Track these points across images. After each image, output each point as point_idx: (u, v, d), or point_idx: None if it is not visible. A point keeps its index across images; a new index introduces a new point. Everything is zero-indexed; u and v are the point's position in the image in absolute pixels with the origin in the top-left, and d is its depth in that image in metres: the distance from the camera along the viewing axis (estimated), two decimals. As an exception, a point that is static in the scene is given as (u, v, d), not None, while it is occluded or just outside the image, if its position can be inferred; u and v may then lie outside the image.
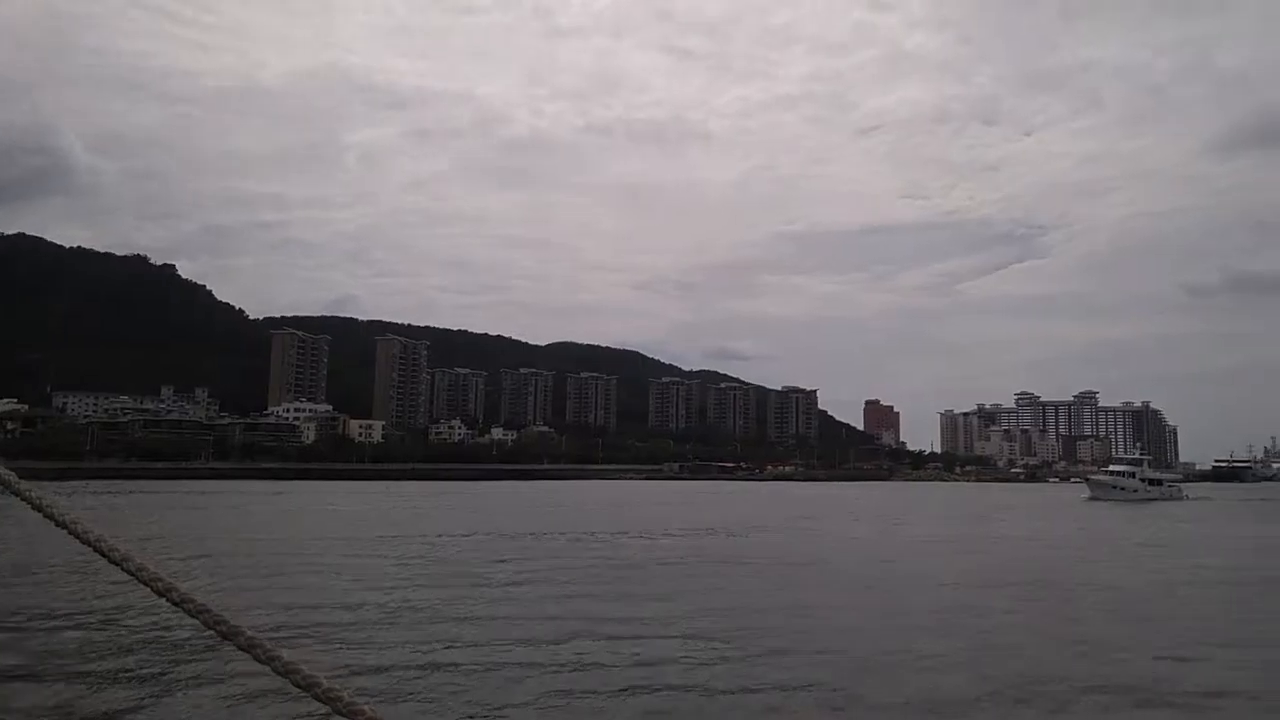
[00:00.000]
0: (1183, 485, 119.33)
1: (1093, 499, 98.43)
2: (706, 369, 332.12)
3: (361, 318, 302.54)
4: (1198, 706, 15.09)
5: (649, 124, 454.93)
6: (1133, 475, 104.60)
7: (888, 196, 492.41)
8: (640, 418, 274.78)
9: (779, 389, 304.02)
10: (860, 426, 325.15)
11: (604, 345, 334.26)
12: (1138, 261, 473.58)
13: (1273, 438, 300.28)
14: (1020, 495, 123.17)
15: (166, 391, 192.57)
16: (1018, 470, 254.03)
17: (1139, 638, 20.77)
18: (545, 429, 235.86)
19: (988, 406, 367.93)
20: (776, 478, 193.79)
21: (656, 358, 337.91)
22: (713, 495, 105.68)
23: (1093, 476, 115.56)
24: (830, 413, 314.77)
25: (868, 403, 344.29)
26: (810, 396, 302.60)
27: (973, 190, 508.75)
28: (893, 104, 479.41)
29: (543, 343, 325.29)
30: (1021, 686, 15.76)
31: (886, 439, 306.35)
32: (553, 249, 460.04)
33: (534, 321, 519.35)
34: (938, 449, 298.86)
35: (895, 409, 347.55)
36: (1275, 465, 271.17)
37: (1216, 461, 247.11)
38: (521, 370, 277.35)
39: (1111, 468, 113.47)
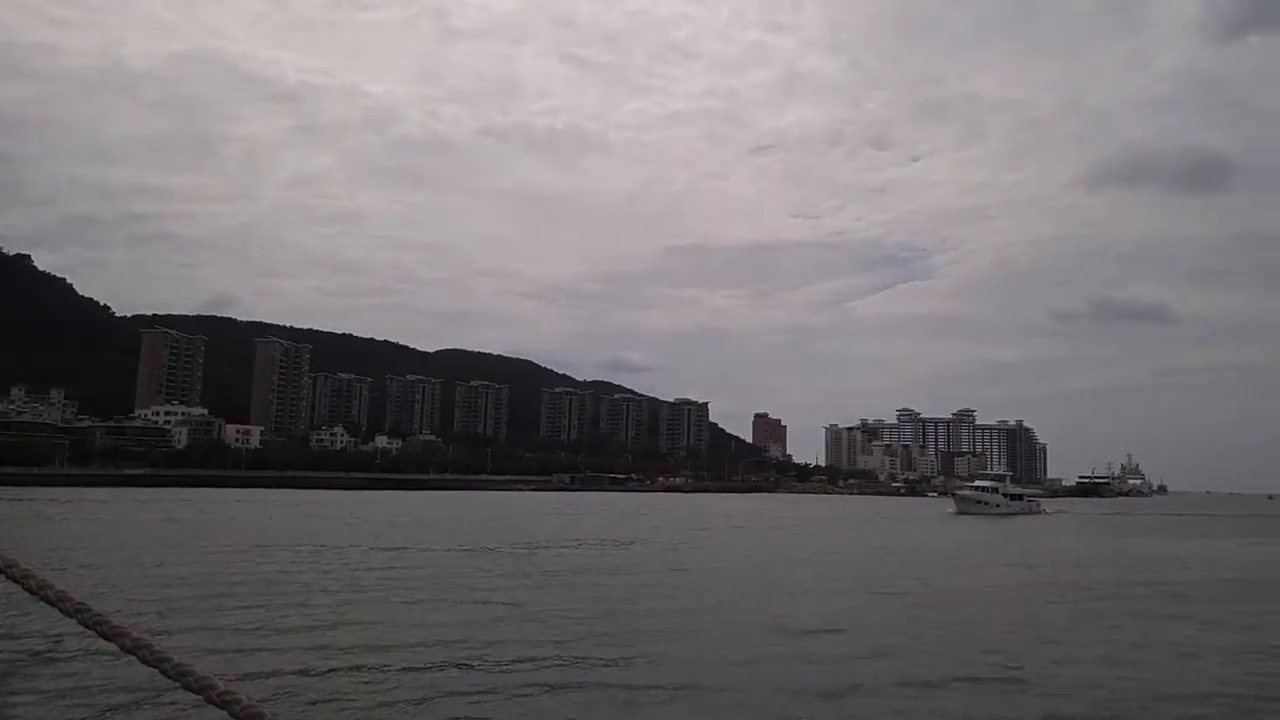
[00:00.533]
0: (1041, 500, 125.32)
1: (959, 513, 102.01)
2: (600, 380, 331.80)
3: (240, 318, 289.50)
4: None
5: (547, 131, 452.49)
6: (995, 491, 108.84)
7: (780, 214, 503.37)
8: (532, 428, 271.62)
9: (671, 401, 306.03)
10: (749, 439, 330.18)
11: (495, 353, 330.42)
12: (1013, 287, 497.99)
13: (1129, 455, 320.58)
14: (895, 508, 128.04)
15: (17, 392, 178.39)
16: (898, 484, 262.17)
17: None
18: (432, 438, 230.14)
19: (871, 422, 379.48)
20: (667, 489, 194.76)
21: (549, 367, 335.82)
22: (600, 506, 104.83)
23: (959, 492, 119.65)
24: (721, 425, 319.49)
25: (757, 416, 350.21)
26: (702, 409, 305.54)
27: (861, 212, 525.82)
28: (787, 124, 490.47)
29: (432, 349, 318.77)
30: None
31: (774, 451, 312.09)
32: (444, 253, 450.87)
33: (423, 327, 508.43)
34: (823, 462, 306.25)
35: (783, 422, 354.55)
36: (1131, 481, 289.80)
37: (1080, 478, 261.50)
38: (409, 377, 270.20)
39: (978, 483, 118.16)
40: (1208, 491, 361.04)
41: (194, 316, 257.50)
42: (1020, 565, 43.25)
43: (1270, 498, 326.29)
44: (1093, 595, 32.18)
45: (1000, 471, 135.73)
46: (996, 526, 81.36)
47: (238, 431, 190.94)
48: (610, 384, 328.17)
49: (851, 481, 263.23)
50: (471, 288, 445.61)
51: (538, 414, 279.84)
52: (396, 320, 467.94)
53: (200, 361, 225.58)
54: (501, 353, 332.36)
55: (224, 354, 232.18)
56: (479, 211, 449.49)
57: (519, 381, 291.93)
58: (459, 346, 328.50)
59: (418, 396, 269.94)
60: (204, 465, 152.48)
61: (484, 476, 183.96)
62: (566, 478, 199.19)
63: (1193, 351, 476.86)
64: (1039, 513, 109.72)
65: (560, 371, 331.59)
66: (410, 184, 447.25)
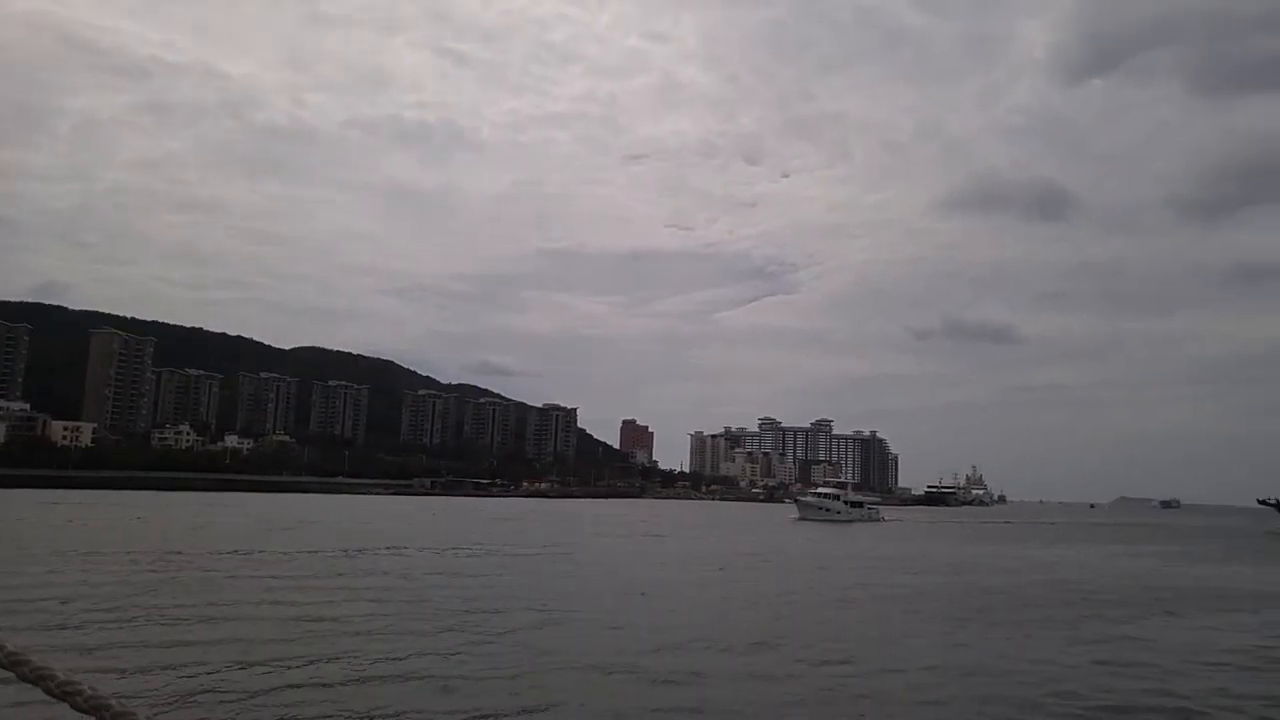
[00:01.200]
0: (880, 508, 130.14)
1: (801, 519, 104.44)
2: (466, 383, 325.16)
3: (73, 307, 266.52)
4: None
5: (418, 126, 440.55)
6: (837, 498, 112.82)
7: (653, 223, 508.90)
8: (393, 431, 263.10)
9: (539, 406, 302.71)
10: (616, 445, 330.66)
11: (356, 353, 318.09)
12: (873, 304, 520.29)
13: (974, 466, 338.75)
14: (747, 513, 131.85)
15: None
16: (758, 490, 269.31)
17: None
18: (286, 439, 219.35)
19: (734, 429, 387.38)
20: (532, 494, 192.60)
21: (413, 369, 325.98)
22: (462, 512, 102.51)
23: (801, 499, 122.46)
24: (589, 431, 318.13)
25: (624, 422, 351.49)
26: (570, 414, 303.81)
27: (733, 224, 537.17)
28: (663, 133, 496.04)
29: (288, 346, 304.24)
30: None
31: (641, 458, 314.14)
32: (305, 247, 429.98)
33: (280, 324, 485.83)
34: (687, 468, 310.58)
35: (650, 429, 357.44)
36: (975, 491, 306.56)
37: (929, 487, 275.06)
38: (262, 374, 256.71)
39: (820, 490, 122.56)
40: (1041, 501, 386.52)
41: (17, 303, 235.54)
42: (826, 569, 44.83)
43: (1091, 506, 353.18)
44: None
45: (844, 479, 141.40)
46: (836, 532, 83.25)
47: (65, 428, 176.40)
48: (477, 388, 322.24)
49: (714, 487, 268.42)
50: (333, 284, 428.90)
51: (399, 416, 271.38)
52: (251, 316, 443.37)
53: (24, 352, 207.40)
54: (363, 352, 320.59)
55: (53, 345, 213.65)
56: (344, 205, 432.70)
57: (380, 382, 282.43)
58: (318, 344, 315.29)
59: (271, 395, 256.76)
60: (24, 464, 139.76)
61: (341, 479, 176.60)
62: (428, 482, 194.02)
63: (1036, 370, 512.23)
64: (878, 520, 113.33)
65: (424, 374, 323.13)
66: (271, 173, 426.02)
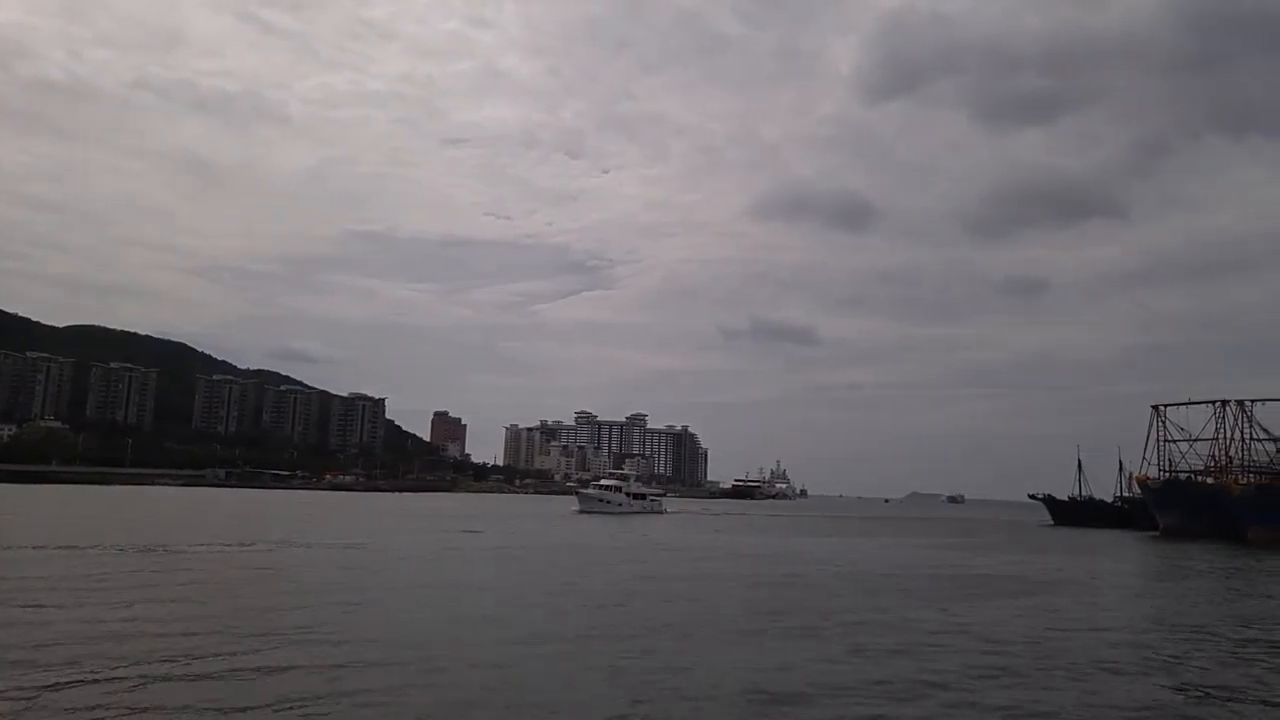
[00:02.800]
0: (663, 500, 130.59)
1: (581, 511, 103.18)
2: (266, 369, 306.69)
3: None
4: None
5: (218, 94, 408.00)
6: (618, 490, 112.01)
7: (471, 211, 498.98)
8: (184, 418, 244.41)
9: (345, 395, 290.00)
10: (427, 437, 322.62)
11: (143, 334, 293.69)
12: (687, 301, 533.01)
13: (778, 461, 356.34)
14: (539, 506, 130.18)
15: None
16: (572, 484, 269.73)
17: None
18: (57, 424, 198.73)
19: (550, 423, 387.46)
20: (335, 487, 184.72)
21: (208, 353, 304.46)
22: (258, 504, 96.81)
23: (581, 491, 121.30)
24: (397, 422, 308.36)
25: (436, 414, 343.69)
26: (378, 405, 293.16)
27: (553, 217, 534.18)
28: (483, 120, 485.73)
29: (61, 324, 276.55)
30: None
31: (453, 451, 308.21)
32: (85, 217, 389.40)
33: (52, 299, 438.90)
34: (501, 462, 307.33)
35: (463, 421, 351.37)
36: (779, 485, 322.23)
37: (736, 481, 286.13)
38: (29, 354, 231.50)
39: (603, 482, 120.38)
40: (841, 495, 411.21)
41: None
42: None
43: (886, 501, 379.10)
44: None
45: (626, 471, 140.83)
46: (614, 524, 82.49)
47: None
48: (278, 374, 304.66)
49: (528, 481, 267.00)
50: (117, 258, 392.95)
51: (192, 403, 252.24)
52: (19, 289, 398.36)
53: None
54: (150, 333, 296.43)
55: None
56: (131, 173, 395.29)
57: (170, 366, 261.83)
58: (98, 323, 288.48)
59: (40, 377, 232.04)
60: None
61: (123, 469, 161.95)
62: (222, 473, 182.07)
63: (836, 370, 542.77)
64: (661, 512, 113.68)
65: (220, 358, 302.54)
66: (45, 133, 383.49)
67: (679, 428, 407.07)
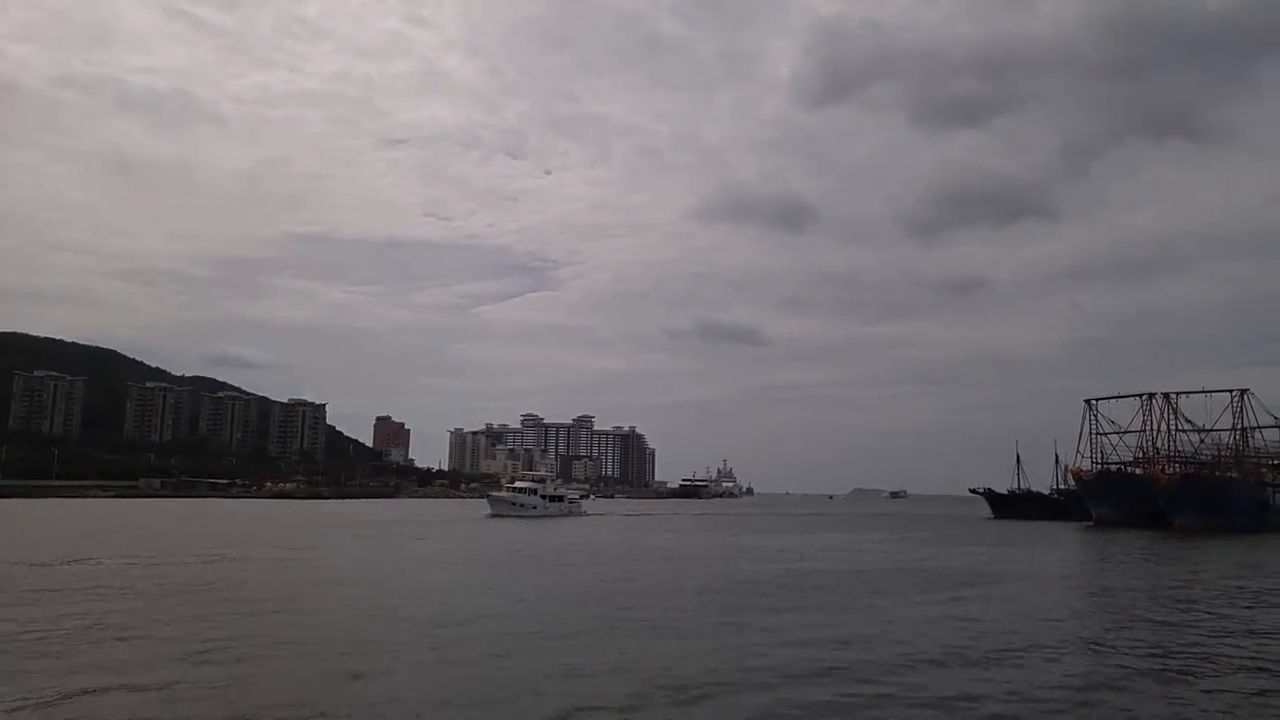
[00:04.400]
0: (584, 501, 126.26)
1: (493, 515, 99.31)
2: (203, 375, 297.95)
3: None
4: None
5: (146, 92, 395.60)
6: (534, 492, 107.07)
7: (411, 212, 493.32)
8: (115, 427, 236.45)
9: (285, 401, 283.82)
10: (370, 443, 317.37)
11: (70, 340, 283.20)
12: (632, 303, 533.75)
13: (725, 460, 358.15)
14: (460, 509, 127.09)
15: None
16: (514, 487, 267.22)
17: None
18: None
19: (496, 426, 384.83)
20: (276, 495, 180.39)
21: (140, 359, 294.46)
22: (189, 515, 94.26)
23: (493, 493, 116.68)
24: (339, 428, 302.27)
25: (379, 419, 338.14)
26: (319, 410, 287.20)
27: (494, 218, 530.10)
28: (423, 120, 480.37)
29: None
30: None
31: (396, 456, 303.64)
32: (5, 219, 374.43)
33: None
34: (446, 466, 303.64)
35: (406, 426, 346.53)
36: (725, 484, 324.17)
37: (683, 480, 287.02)
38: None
39: (518, 484, 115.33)
40: (787, 493, 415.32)
41: None
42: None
43: (830, 497, 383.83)
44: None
45: (543, 473, 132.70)
46: (525, 528, 79.54)
47: None
48: (215, 380, 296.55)
49: (473, 485, 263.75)
50: (41, 261, 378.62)
51: (122, 411, 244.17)
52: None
53: None
54: (78, 340, 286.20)
55: None
56: (55, 173, 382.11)
57: (99, 373, 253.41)
58: (21, 330, 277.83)
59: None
60: None
61: (50, 482, 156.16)
62: (157, 483, 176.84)
63: (780, 370, 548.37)
64: (581, 514, 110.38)
65: (154, 365, 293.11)
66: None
67: (626, 429, 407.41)
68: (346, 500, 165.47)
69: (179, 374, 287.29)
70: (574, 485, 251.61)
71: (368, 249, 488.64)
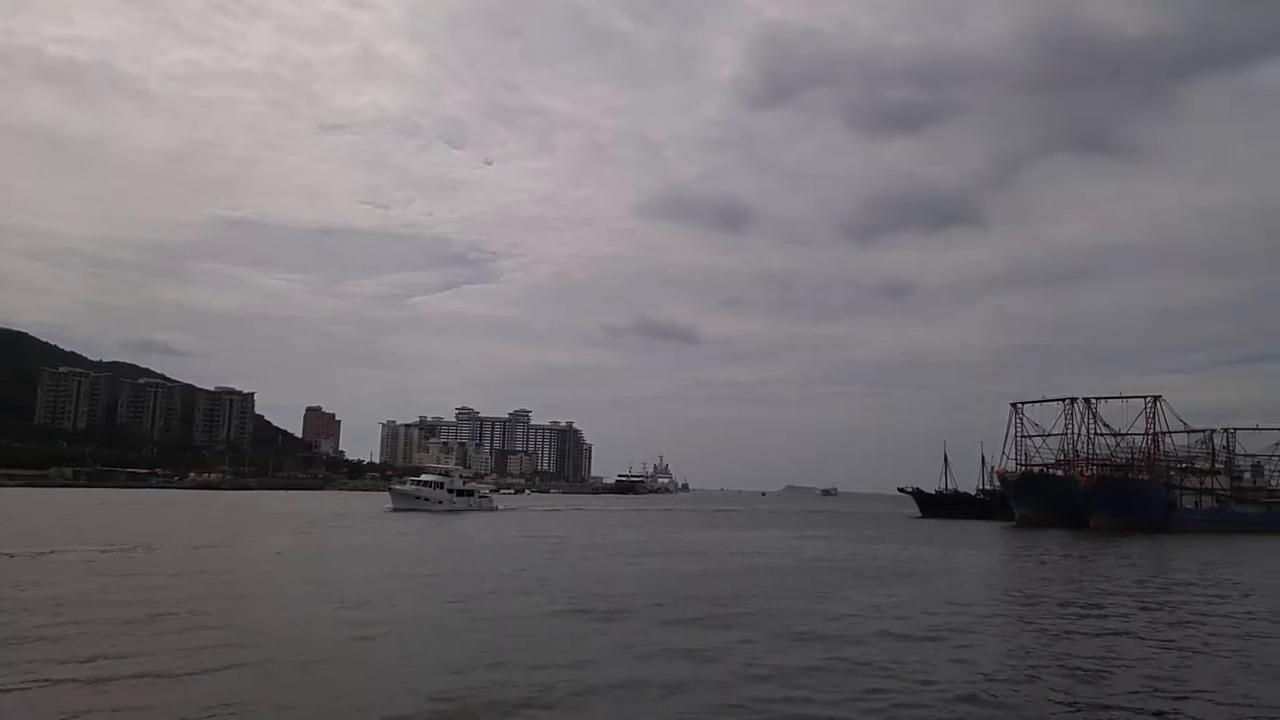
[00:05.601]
0: (495, 497, 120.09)
1: (395, 509, 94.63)
2: (123, 361, 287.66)
3: None
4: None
5: (68, 63, 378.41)
6: (440, 486, 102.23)
7: (347, 199, 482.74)
8: (24, 414, 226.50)
9: (211, 389, 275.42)
10: (299, 434, 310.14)
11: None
12: (572, 297, 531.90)
13: (660, 456, 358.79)
14: (364, 502, 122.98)
15: None
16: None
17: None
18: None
19: (430, 419, 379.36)
20: (200, 485, 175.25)
21: (54, 343, 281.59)
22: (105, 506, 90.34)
23: (396, 486, 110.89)
24: (268, 418, 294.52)
25: (309, 409, 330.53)
26: (246, 399, 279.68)
27: (433, 207, 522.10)
28: (361, 105, 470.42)
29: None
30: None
31: (326, 447, 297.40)
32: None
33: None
34: (378, 459, 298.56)
35: (337, 417, 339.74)
36: (661, 480, 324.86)
37: (619, 476, 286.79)
38: None
39: (423, 477, 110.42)
40: (722, 489, 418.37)
41: None
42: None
43: (763, 494, 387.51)
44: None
45: (449, 466, 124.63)
46: (425, 522, 75.95)
47: None
48: (136, 366, 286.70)
49: (406, 479, 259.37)
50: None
51: (33, 397, 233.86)
52: None
53: None
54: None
55: None
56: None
57: (7, 357, 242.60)
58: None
59: None
60: None
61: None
62: (69, 472, 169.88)
63: (717, 368, 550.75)
64: (492, 509, 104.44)
65: (69, 349, 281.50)
66: None
67: (563, 424, 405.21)
68: (271, 492, 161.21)
69: (96, 360, 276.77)
70: (490, 479, 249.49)
71: (301, 236, 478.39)
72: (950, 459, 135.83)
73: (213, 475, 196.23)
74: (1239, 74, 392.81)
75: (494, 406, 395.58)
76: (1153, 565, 49.88)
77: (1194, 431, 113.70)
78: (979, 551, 58.08)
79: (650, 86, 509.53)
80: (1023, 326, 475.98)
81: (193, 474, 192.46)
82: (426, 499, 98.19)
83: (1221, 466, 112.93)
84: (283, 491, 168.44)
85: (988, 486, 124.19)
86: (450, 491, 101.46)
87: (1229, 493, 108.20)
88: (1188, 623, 26.88)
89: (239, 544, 47.08)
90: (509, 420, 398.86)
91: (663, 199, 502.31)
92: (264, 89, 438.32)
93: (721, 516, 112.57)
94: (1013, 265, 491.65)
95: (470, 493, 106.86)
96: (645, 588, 31.60)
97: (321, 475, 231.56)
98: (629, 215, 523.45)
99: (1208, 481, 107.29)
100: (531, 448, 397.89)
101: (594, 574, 36.56)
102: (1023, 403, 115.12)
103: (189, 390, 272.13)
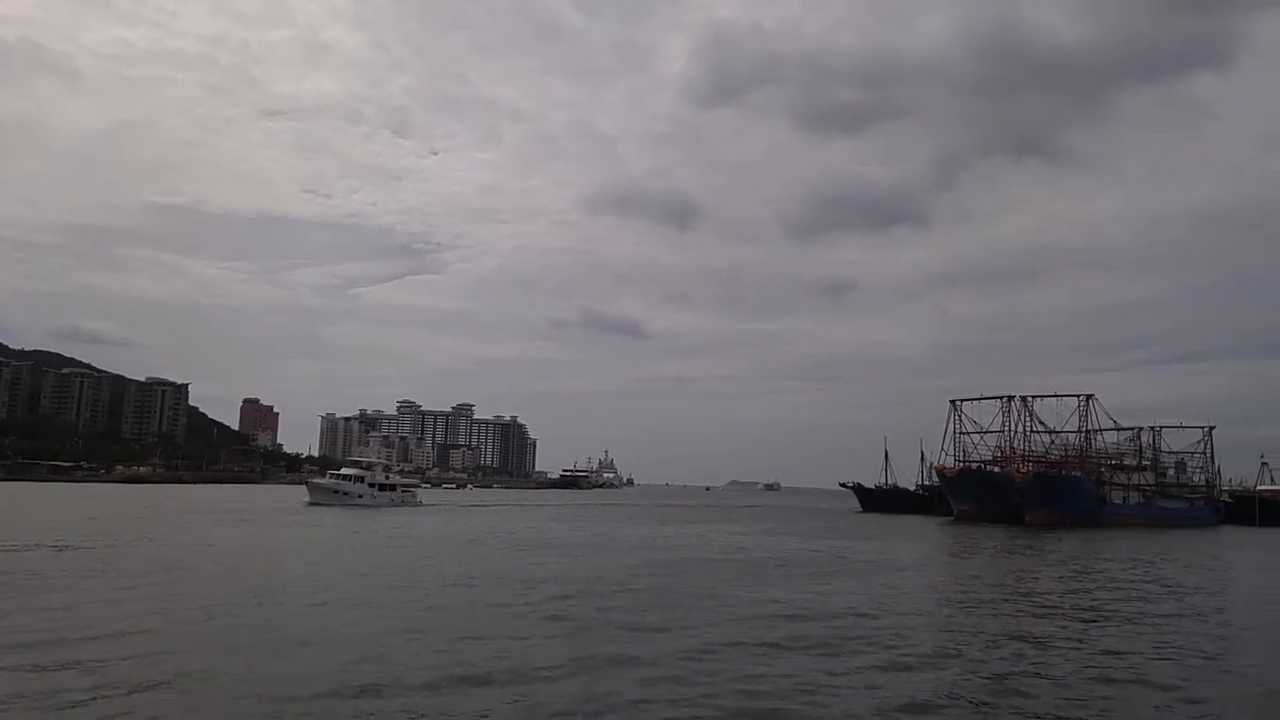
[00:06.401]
0: (419, 491, 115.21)
1: (312, 504, 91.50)
2: (47, 350, 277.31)
3: None
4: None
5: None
6: (361, 480, 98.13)
7: (288, 187, 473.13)
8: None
9: (142, 380, 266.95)
10: (236, 426, 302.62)
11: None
12: (518, 290, 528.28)
13: (606, 451, 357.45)
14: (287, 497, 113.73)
15: None
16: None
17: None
18: None
19: (370, 412, 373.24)
20: (129, 479, 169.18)
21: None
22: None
23: (314, 480, 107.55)
24: (203, 410, 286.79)
25: (246, 401, 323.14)
26: (180, 390, 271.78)
27: (377, 197, 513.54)
28: (303, 92, 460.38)
29: None
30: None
31: (264, 440, 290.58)
32: None
33: None
34: (317, 453, 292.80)
35: (276, 409, 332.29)
36: (606, 475, 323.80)
37: (564, 471, 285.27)
38: None
39: (343, 470, 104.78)
40: (667, 484, 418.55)
41: None
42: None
43: (707, 489, 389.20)
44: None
45: (373, 459, 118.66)
46: (339, 517, 73.03)
47: None
48: (61, 356, 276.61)
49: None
50: None
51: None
52: None
53: None
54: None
55: None
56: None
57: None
58: None
59: None
60: None
61: None
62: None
63: (663, 363, 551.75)
64: (416, 505, 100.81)
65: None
66: None
67: (507, 418, 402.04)
68: (203, 486, 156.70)
69: (18, 348, 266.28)
70: (432, 474, 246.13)
71: (240, 224, 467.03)
72: (890, 455, 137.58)
73: (142, 469, 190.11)
74: (1168, 83, 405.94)
75: (437, 400, 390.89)
76: (1081, 558, 51.24)
77: (1123, 429, 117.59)
78: (920, 545, 58.73)
79: (600, 81, 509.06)
80: (963, 325, 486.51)
81: (121, 467, 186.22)
82: (345, 493, 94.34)
83: (1148, 463, 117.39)
84: (216, 485, 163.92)
85: (926, 482, 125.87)
86: (372, 486, 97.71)
87: (1154, 488, 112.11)
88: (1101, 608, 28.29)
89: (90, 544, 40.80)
90: (452, 414, 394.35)
91: (611, 193, 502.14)
92: (201, 71, 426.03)
93: (657, 512, 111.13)
94: (954, 264, 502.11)
95: (393, 487, 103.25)
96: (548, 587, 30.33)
97: (259, 469, 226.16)
98: (577, 209, 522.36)
99: (1135, 477, 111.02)
100: (475, 442, 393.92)
101: (494, 569, 35.21)
102: (962, 400, 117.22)
103: (118, 381, 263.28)
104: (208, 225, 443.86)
